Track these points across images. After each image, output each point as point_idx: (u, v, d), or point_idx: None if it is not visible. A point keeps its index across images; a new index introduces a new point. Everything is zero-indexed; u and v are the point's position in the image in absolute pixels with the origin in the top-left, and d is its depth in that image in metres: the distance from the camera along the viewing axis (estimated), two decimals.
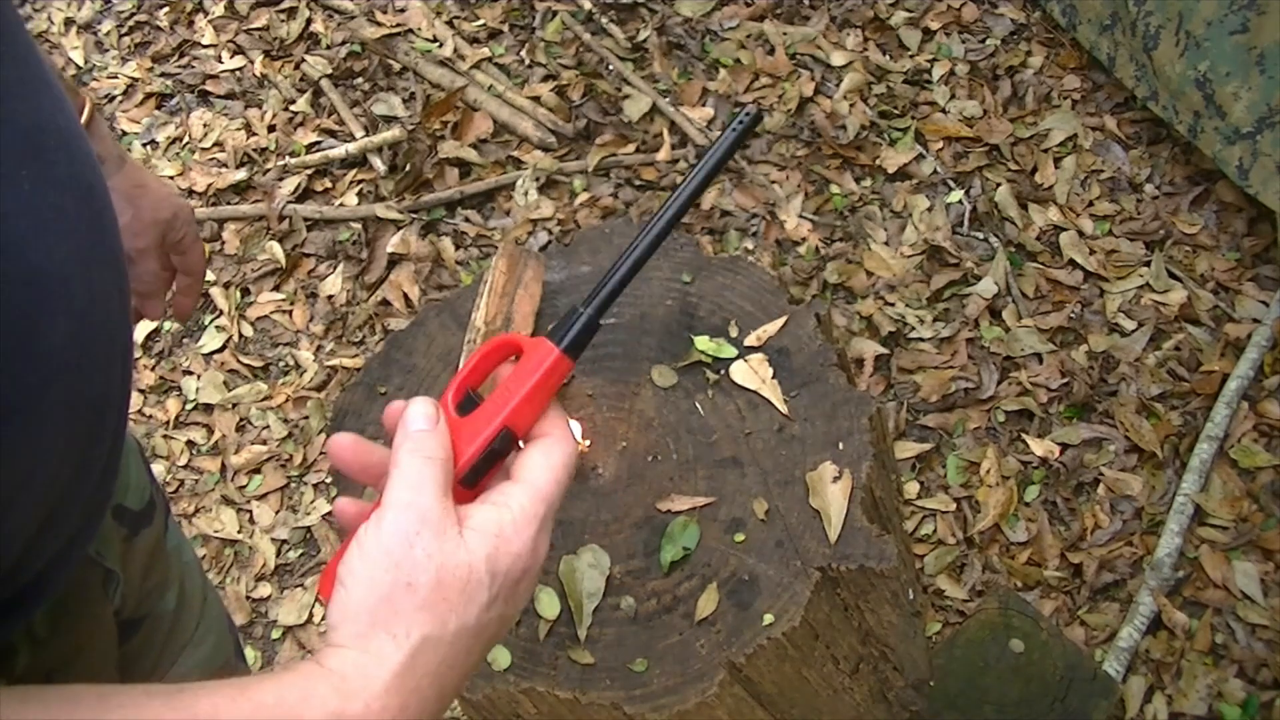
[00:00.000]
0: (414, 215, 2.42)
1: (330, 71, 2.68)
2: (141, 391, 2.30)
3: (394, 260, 2.37)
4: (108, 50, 2.92)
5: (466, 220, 2.42)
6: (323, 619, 1.96)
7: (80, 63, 2.89)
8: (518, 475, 0.61)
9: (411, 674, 0.54)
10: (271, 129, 2.64)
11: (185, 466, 2.19)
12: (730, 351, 1.13)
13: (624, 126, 2.49)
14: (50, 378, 0.55)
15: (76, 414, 0.60)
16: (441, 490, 0.58)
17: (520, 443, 0.63)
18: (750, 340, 1.14)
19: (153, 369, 2.32)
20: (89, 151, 0.63)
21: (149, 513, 0.94)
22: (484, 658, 0.74)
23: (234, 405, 2.25)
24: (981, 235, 2.28)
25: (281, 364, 2.31)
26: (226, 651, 1.11)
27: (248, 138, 2.65)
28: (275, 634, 1.96)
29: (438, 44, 2.67)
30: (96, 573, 0.78)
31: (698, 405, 1.11)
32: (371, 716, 0.52)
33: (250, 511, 2.11)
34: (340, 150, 2.53)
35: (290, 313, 2.37)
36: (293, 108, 2.66)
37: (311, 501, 2.11)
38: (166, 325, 2.38)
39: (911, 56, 2.56)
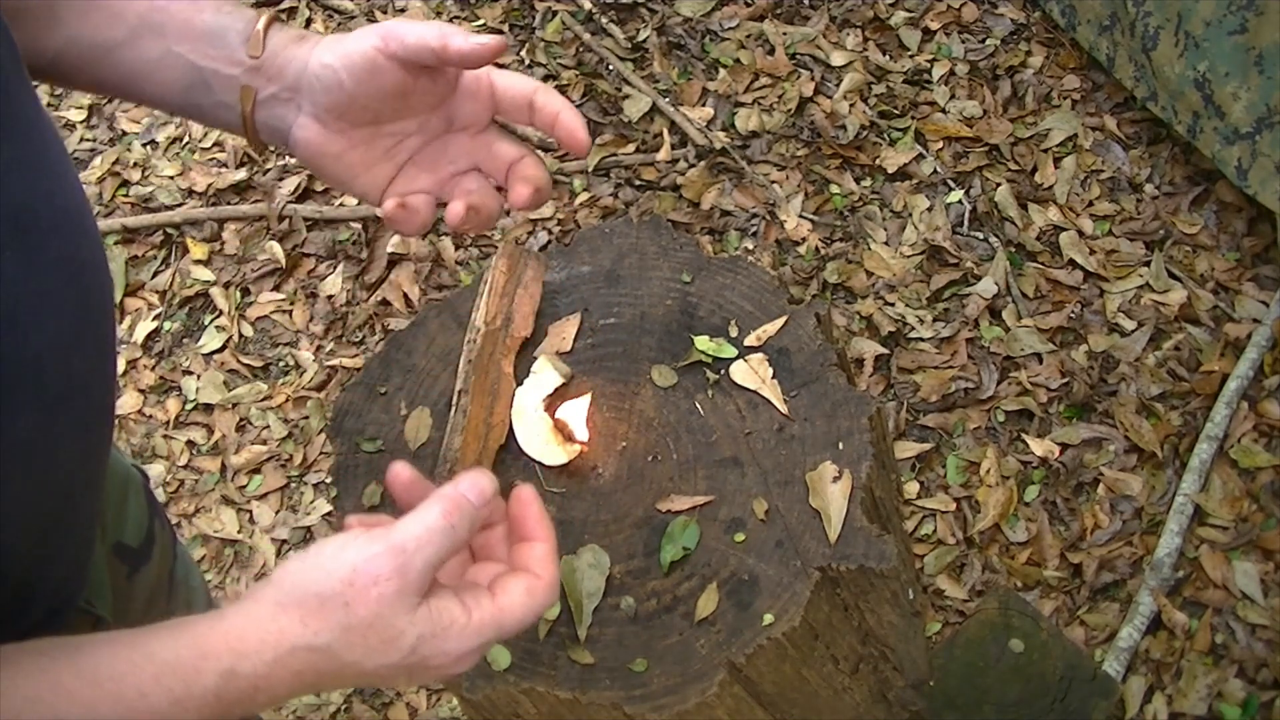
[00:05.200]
0: None
1: None
2: (141, 391, 2.30)
3: (394, 260, 2.37)
4: None
5: None
6: None
7: None
8: (496, 591, 0.63)
9: (298, 659, 0.58)
10: None
11: (185, 466, 2.19)
12: (730, 351, 1.13)
13: (624, 126, 2.49)
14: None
15: (37, 505, 0.60)
16: (437, 561, 0.60)
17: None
18: (750, 340, 1.14)
19: (153, 369, 2.32)
20: (88, 228, 0.63)
21: (147, 549, 0.93)
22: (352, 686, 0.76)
23: (234, 405, 2.25)
24: (981, 235, 2.28)
25: (281, 364, 2.31)
26: None
27: None
28: None
29: None
30: (86, 621, 0.78)
31: (698, 405, 1.11)
32: (258, 676, 0.58)
33: (250, 511, 2.11)
34: None
35: (290, 313, 2.37)
36: None
37: (311, 502, 2.11)
38: (167, 325, 2.38)
39: (911, 56, 2.56)
